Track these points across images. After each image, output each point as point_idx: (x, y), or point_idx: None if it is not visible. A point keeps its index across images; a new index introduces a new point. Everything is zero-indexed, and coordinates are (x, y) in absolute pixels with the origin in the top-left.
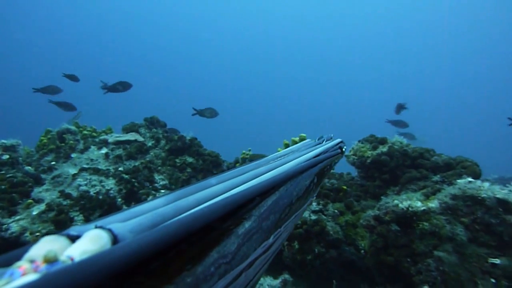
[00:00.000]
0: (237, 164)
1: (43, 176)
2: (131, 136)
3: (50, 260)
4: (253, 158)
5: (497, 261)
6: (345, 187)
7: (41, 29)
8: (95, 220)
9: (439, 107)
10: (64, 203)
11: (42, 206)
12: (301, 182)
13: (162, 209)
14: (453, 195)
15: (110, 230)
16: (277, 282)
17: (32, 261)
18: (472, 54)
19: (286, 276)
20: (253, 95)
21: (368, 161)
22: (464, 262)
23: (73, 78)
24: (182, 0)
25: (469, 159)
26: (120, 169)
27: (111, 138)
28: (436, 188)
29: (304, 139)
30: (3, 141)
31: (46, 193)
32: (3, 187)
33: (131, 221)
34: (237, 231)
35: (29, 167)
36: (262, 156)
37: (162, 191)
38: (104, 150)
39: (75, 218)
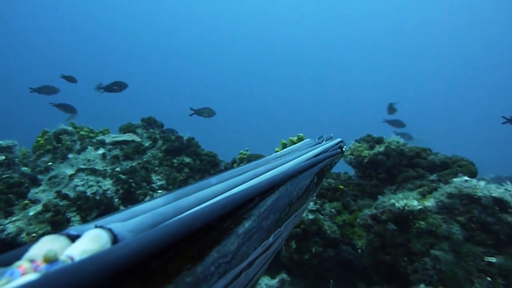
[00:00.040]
0: (235, 164)
1: (39, 176)
2: (128, 137)
3: (50, 260)
4: (250, 158)
5: (493, 259)
6: (342, 187)
7: (39, 30)
8: (92, 220)
9: (436, 107)
10: (61, 203)
11: (39, 207)
12: (301, 182)
13: (162, 209)
14: (449, 194)
15: (110, 230)
16: (274, 281)
17: (32, 261)
18: (472, 54)
19: (284, 275)
20: (251, 95)
21: (365, 160)
22: (460, 261)
23: (70, 79)
24: (180, 0)
25: (465, 158)
26: (117, 169)
27: (108, 139)
28: (433, 187)
29: (302, 139)
30: None
31: (43, 194)
32: None
33: (131, 221)
34: (237, 231)
35: (26, 168)
36: (260, 156)
37: (159, 191)
38: (101, 151)
39: (72, 218)
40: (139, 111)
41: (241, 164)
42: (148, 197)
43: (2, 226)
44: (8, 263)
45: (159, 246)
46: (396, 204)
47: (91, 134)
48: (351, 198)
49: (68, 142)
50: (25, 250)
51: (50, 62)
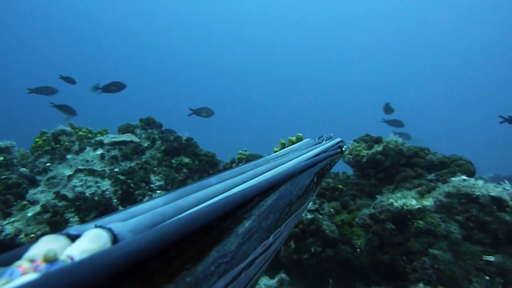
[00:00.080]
0: (233, 165)
1: (38, 177)
2: (127, 137)
3: (50, 260)
4: (249, 158)
5: (491, 258)
6: (340, 186)
7: (37, 30)
8: (91, 221)
9: (435, 107)
10: (60, 204)
11: (37, 208)
12: (301, 182)
13: (162, 209)
14: (447, 193)
15: (110, 230)
16: (273, 281)
17: (32, 261)
18: (470, 54)
19: (283, 275)
20: (249, 95)
21: (364, 160)
22: (458, 260)
23: (69, 80)
24: (178, 0)
25: (463, 158)
26: (115, 170)
27: (106, 139)
28: (431, 186)
29: (301, 139)
30: None
31: (41, 195)
32: None
33: (131, 221)
34: (237, 231)
35: (24, 169)
36: (259, 157)
37: (158, 192)
38: (99, 151)
39: (71, 219)
40: (137, 112)
41: (240, 164)
42: (147, 198)
43: (0, 227)
44: (8, 262)
45: (159, 246)
46: (395, 204)
47: (90, 135)
48: (350, 197)
49: (67, 143)
50: (25, 250)
51: (48, 62)
